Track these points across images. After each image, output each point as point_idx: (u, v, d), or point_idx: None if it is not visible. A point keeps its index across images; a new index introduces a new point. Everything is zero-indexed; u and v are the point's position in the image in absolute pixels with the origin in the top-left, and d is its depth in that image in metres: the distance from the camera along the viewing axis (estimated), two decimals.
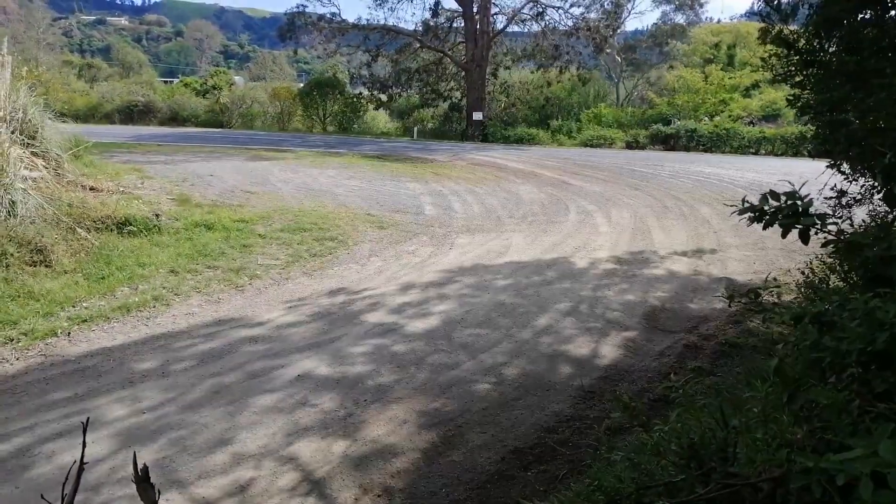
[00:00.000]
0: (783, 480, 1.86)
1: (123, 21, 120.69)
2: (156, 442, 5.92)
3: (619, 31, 39.93)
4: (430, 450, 6.16)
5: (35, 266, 9.25)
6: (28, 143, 11.77)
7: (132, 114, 33.62)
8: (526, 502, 4.49)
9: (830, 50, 5.50)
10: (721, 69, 40.94)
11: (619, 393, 6.68)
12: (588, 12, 36.33)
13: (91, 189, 12.61)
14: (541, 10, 35.69)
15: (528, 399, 7.09)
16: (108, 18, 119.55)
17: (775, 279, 10.61)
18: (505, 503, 5.35)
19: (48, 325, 7.96)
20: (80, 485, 1.84)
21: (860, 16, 5.24)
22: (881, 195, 5.11)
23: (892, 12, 5.17)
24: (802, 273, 6.99)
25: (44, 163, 12.00)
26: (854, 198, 6.37)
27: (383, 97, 37.41)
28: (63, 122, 14.01)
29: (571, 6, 36.14)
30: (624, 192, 20.02)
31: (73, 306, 8.56)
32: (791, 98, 6.10)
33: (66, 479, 1.79)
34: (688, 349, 8.41)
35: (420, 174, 20.32)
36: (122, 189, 13.40)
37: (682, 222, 15.93)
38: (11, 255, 9.17)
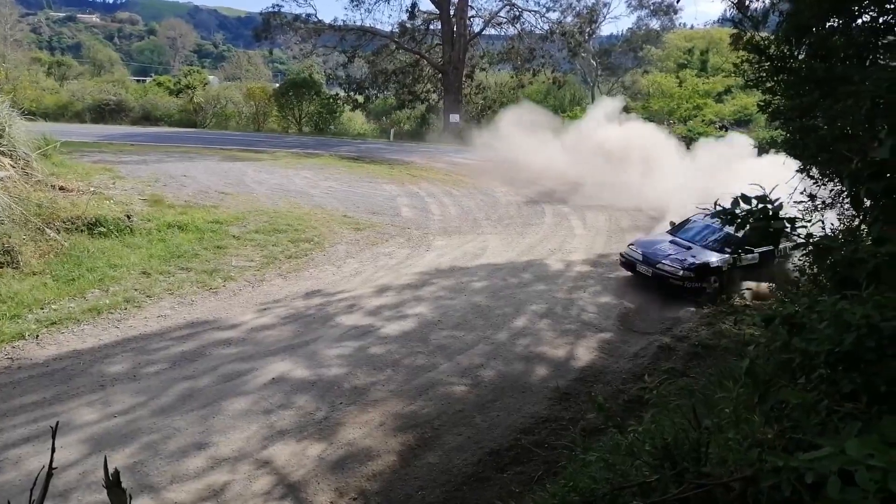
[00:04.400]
0: (754, 479, 1.89)
1: (95, 18, 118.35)
2: (127, 446, 5.82)
3: (594, 35, 40.36)
4: (406, 452, 6.15)
5: (2, 267, 9.04)
6: None
7: (103, 113, 32.98)
8: None
9: (800, 57, 5.61)
10: (694, 74, 41.53)
11: (595, 394, 6.74)
12: (564, 17, 36.72)
13: (61, 189, 12.35)
14: (517, 13, 35.94)
15: (505, 401, 7.11)
16: (78, 15, 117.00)
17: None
18: None
19: (15, 328, 7.78)
20: (48, 490, 1.81)
21: (829, 24, 5.36)
22: (849, 200, 5.23)
23: (859, 21, 5.30)
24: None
25: (11, 162, 11.72)
26: (824, 201, 6.50)
27: (360, 98, 37.25)
28: (31, 120, 13.71)
29: (548, 10, 36.51)
30: (599, 194, 20.13)
31: (42, 308, 8.38)
32: (762, 103, 6.23)
33: (34, 484, 1.76)
34: (661, 350, 8.52)
35: (397, 176, 20.28)
36: (92, 189, 13.16)
37: (657, 225, 16.10)
38: None
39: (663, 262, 11.19)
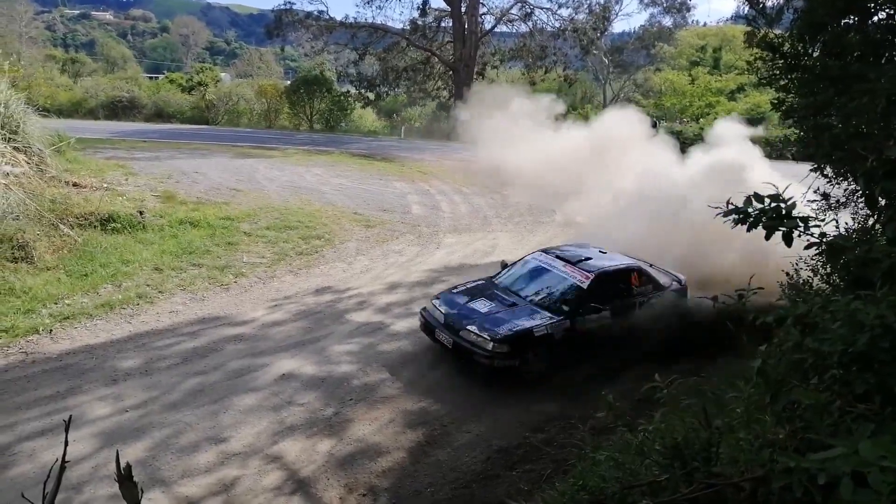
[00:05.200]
0: (765, 480, 1.88)
1: (108, 16, 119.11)
2: (139, 440, 5.86)
3: (606, 32, 40.09)
4: (415, 449, 6.16)
5: (16, 262, 9.13)
6: (10, 138, 11.60)
7: (116, 110, 33.20)
8: (511, 502, 4.51)
9: (814, 54, 5.56)
10: (707, 72, 41.23)
11: (604, 392, 6.71)
12: (576, 14, 36.53)
13: (74, 185, 12.46)
14: (529, 10, 35.77)
15: (515, 398, 7.10)
16: (92, 13, 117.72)
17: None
18: (490, 502, 5.37)
19: (29, 323, 7.86)
20: (61, 483, 1.82)
21: (844, 21, 5.30)
22: (863, 199, 5.18)
23: (875, 18, 5.24)
24: (786, 274, 7.06)
25: (26, 158, 11.83)
26: (838, 200, 6.44)
27: (371, 96, 37.25)
28: (46, 117, 13.84)
29: (560, 7, 36.33)
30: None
31: (56, 303, 8.46)
32: (776, 101, 6.17)
33: (48, 477, 1.78)
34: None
35: (407, 173, 20.28)
36: (105, 185, 13.26)
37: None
38: None
39: (469, 328, 7.50)
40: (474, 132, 18.86)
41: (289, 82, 41.38)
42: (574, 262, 8.57)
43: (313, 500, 5.34)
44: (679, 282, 9.25)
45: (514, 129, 18.36)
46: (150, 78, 48.15)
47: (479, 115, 19.42)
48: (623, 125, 17.61)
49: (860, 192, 5.58)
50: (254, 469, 5.61)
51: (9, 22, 53.67)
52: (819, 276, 6.34)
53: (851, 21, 5.27)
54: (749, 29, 6.18)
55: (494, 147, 17.71)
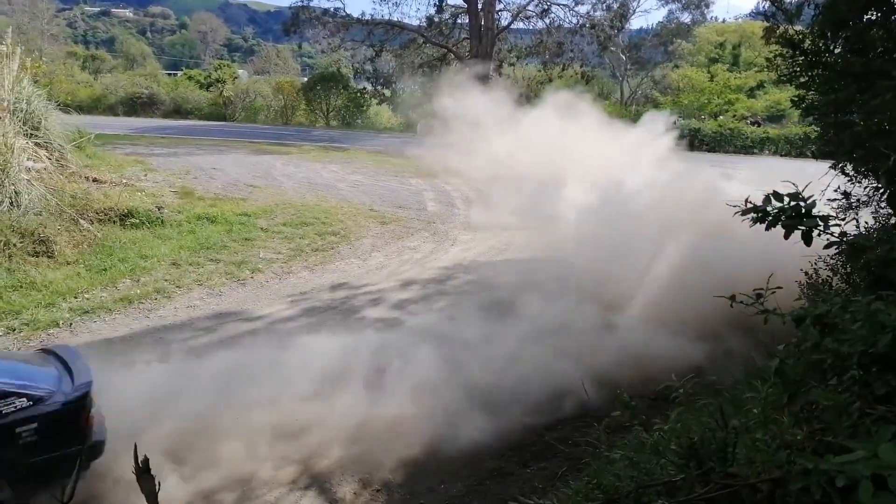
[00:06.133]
0: (783, 481, 1.86)
1: (128, 13, 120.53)
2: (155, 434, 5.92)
3: (623, 29, 39.74)
4: (428, 445, 6.16)
5: (37, 257, 9.27)
6: (32, 134, 11.76)
7: (136, 106, 33.62)
8: (525, 499, 4.50)
9: (836, 51, 5.47)
10: (726, 69, 40.78)
11: (620, 391, 6.68)
12: (593, 11, 36.26)
13: (94, 180, 12.61)
14: (546, 7, 35.58)
15: (528, 396, 7.08)
16: (112, 10, 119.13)
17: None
18: (503, 500, 5.37)
19: (50, 316, 7.97)
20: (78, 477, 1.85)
21: (866, 17, 5.21)
22: (885, 197, 5.10)
23: None
24: (805, 274, 6.98)
25: (47, 154, 11.99)
26: (859, 199, 6.34)
27: (387, 92, 37.36)
28: (66, 113, 14.00)
29: (577, 4, 36.08)
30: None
31: (75, 297, 8.57)
32: (796, 98, 6.08)
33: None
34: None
35: (423, 170, 20.29)
36: (125, 181, 13.40)
37: None
38: (14, 245, 9.19)
39: None
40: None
41: (305, 79, 41.55)
42: None
43: (328, 494, 5.37)
44: (70, 390, 4.23)
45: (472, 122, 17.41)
46: (169, 75, 48.62)
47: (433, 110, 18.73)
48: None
49: (882, 190, 5.50)
50: (270, 463, 5.64)
51: (31, 19, 54.41)
52: (839, 276, 6.25)
53: (874, 17, 5.19)
54: (768, 25, 6.10)
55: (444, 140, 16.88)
